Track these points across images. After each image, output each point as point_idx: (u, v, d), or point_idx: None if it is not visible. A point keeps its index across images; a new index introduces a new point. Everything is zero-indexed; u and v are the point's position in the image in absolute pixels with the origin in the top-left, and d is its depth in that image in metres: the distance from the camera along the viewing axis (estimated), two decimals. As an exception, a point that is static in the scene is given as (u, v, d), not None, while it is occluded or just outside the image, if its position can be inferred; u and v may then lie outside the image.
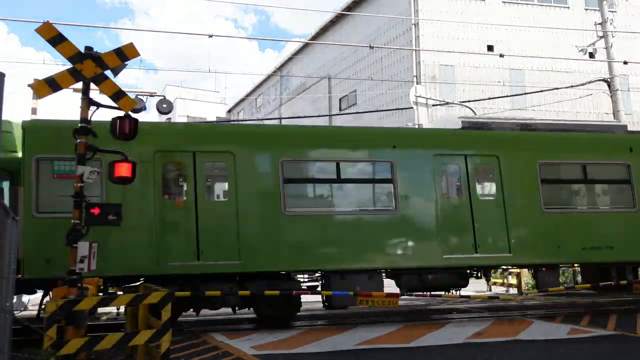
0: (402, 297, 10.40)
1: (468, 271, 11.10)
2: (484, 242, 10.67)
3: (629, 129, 12.99)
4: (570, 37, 23.64)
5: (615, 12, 22.10)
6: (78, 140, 6.98)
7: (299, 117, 29.87)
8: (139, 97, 20.04)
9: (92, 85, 7.18)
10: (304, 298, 10.73)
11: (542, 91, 23.34)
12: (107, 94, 7.15)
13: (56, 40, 6.83)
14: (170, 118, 32.79)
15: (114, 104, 7.19)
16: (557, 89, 22.80)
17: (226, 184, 10.15)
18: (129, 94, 7.37)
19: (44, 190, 9.04)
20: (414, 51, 26.13)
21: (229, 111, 54.89)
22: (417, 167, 10.69)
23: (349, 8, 30.37)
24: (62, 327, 6.38)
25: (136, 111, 14.32)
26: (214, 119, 49.73)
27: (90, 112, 7.10)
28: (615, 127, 13.39)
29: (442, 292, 11.07)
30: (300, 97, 38.46)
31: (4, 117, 6.28)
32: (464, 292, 11.56)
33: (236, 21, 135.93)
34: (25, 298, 14.13)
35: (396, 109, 25.31)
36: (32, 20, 44.90)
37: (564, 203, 11.74)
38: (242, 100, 51.62)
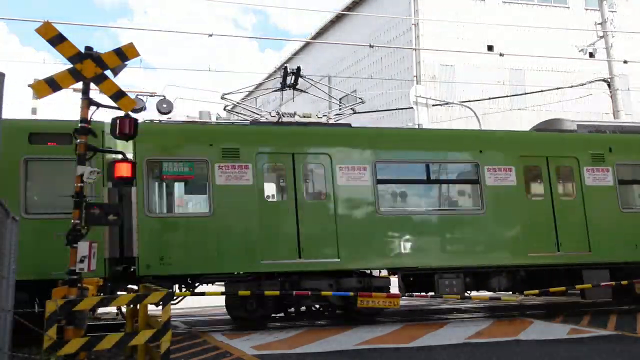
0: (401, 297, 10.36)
1: None
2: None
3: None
4: (570, 37, 23.62)
5: (615, 12, 22.10)
6: (78, 141, 6.98)
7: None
8: (139, 97, 20.03)
9: (92, 85, 7.18)
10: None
11: (542, 91, 23.34)
12: (107, 94, 7.14)
13: (56, 40, 6.82)
14: (170, 118, 32.76)
15: (114, 104, 7.18)
16: (558, 88, 22.80)
17: None
18: (128, 94, 7.37)
19: None
20: (414, 51, 26.15)
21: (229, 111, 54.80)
22: None
23: (349, 8, 30.38)
24: (62, 327, 6.38)
25: (136, 111, 14.32)
26: (214, 119, 49.66)
27: (90, 112, 7.10)
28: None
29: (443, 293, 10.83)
30: (300, 97, 38.42)
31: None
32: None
33: (236, 21, 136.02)
34: None
35: (396, 109, 25.32)
36: (32, 20, 44.86)
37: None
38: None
